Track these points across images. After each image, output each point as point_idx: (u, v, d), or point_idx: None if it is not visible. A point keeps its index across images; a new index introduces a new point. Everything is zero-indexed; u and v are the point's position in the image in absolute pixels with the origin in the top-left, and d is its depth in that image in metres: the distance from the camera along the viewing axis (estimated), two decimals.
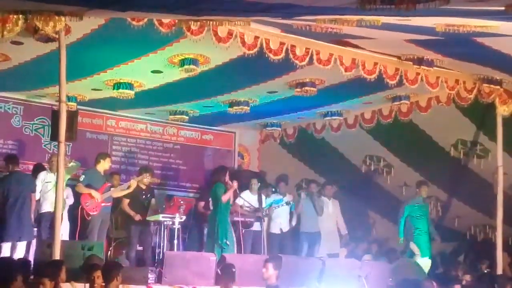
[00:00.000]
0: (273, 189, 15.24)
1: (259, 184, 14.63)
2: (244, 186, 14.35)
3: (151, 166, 15.25)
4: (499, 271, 13.22)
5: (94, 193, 12.72)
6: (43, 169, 13.00)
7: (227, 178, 13.25)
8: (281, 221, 14.82)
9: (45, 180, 12.59)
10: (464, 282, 12.18)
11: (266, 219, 14.54)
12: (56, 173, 10.57)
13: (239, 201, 13.99)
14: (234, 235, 13.25)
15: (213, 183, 13.56)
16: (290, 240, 14.95)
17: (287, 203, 14.80)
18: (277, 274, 9.83)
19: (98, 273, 9.20)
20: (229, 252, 12.61)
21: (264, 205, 14.54)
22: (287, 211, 14.89)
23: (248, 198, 14.25)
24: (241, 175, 14.92)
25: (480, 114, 14.02)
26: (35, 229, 12.41)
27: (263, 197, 14.60)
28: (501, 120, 13.41)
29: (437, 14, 9.01)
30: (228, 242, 12.80)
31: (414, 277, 13.56)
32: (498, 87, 13.14)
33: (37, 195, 12.42)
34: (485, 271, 14.07)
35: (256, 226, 14.40)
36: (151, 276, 11.35)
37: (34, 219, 12.32)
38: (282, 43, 11.22)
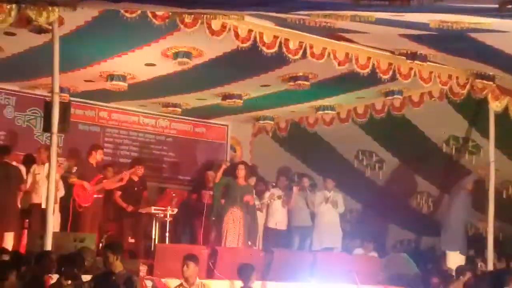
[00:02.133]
0: (273, 184, 15.28)
1: (254, 178, 14.65)
2: None
3: (143, 159, 15.24)
4: (490, 265, 13.26)
5: (86, 184, 12.72)
6: (34, 160, 12.98)
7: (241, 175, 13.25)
8: (277, 217, 14.85)
9: (35, 172, 12.59)
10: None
11: (264, 212, 14.64)
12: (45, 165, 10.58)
13: None
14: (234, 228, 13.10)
15: None
16: (286, 235, 14.98)
17: (279, 197, 14.82)
18: (197, 272, 9.68)
19: None
20: None
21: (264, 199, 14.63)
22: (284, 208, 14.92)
23: None
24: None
25: (473, 110, 14.05)
26: (27, 220, 12.41)
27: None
28: (493, 116, 13.43)
29: (431, 10, 9.02)
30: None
31: (405, 272, 13.67)
32: (491, 82, 13.15)
33: (28, 186, 12.44)
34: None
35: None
36: (143, 268, 11.35)
37: (24, 210, 12.33)
38: (275, 37, 11.22)
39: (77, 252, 9.77)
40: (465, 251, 13.81)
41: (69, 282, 8.53)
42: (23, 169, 12.53)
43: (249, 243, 13.20)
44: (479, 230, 15.01)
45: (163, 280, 10.52)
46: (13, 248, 11.50)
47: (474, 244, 14.39)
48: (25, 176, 12.49)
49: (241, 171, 13.17)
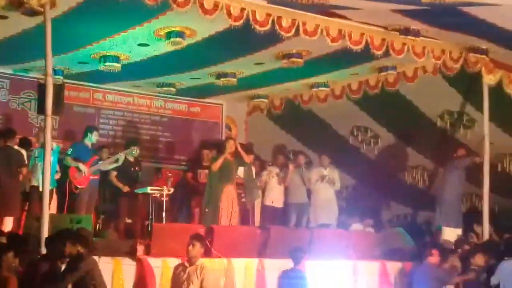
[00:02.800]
0: (270, 163, 15.32)
1: (252, 155, 14.68)
2: None
3: (138, 139, 15.26)
4: (485, 239, 13.33)
5: (81, 166, 12.74)
6: (30, 142, 12.98)
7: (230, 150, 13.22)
8: (274, 194, 14.90)
9: (34, 155, 12.59)
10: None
11: (260, 191, 14.71)
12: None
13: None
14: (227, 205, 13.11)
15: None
16: (283, 212, 15.02)
17: (277, 174, 14.86)
18: (201, 253, 9.75)
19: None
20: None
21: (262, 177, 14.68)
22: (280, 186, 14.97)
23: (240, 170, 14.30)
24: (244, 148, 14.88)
25: (467, 84, 14.05)
26: (27, 203, 12.45)
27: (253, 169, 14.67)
28: (487, 89, 13.45)
29: None
30: (207, 209, 12.83)
31: (402, 246, 13.75)
32: (484, 56, 13.16)
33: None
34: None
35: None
36: (140, 248, 11.40)
37: (24, 193, 12.36)
38: (268, 15, 11.19)
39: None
40: (460, 225, 13.86)
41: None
42: (24, 152, 12.51)
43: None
44: (474, 203, 15.08)
45: (160, 259, 10.57)
46: (13, 230, 11.55)
47: (469, 218, 14.41)
48: (26, 160, 12.49)
49: (231, 147, 13.20)
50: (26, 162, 12.35)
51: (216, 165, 12.97)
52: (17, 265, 8.72)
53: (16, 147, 12.42)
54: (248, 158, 13.43)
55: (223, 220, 12.76)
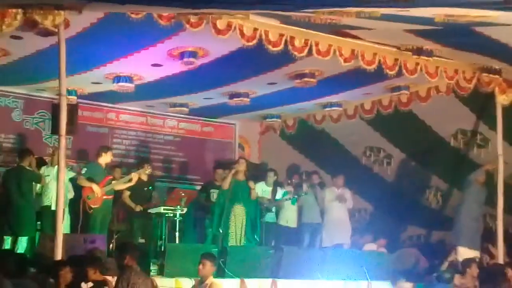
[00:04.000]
0: (289, 182, 15.31)
1: (275, 177, 14.68)
2: (260, 178, 14.48)
3: (151, 159, 15.28)
4: (500, 259, 13.23)
5: (95, 187, 12.74)
6: (44, 163, 13.02)
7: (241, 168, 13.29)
8: (288, 214, 14.87)
9: (45, 174, 12.62)
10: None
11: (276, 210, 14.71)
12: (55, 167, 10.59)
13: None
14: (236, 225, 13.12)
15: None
16: (296, 232, 14.98)
17: (299, 195, 14.82)
18: (212, 271, 9.62)
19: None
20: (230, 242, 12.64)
21: (277, 197, 14.64)
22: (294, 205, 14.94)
23: (262, 190, 14.29)
24: (257, 167, 14.90)
25: (480, 103, 14.04)
26: (38, 223, 12.46)
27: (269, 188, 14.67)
28: (500, 109, 13.41)
29: (436, 5, 9.03)
30: (221, 230, 12.81)
31: (416, 266, 13.69)
32: (497, 76, 13.14)
33: (38, 189, 12.48)
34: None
35: (268, 218, 14.46)
36: (153, 268, 11.40)
37: (36, 213, 12.39)
38: (281, 35, 11.22)
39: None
40: (477, 246, 13.76)
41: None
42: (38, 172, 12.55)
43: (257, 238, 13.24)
44: (489, 224, 14.99)
45: (173, 279, 10.56)
46: (27, 250, 11.59)
47: (483, 238, 14.32)
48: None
49: (241, 166, 13.18)
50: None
51: (225, 184, 12.98)
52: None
53: (28, 167, 12.42)
54: (254, 196, 13.47)
55: (232, 240, 12.75)
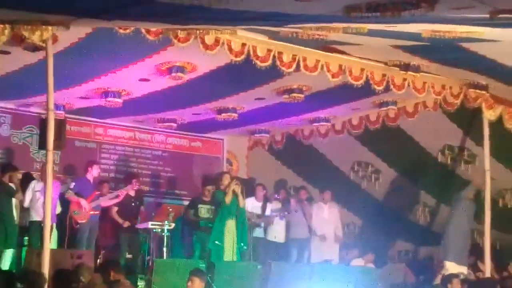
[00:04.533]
0: (276, 196, 15.30)
1: (264, 191, 14.68)
2: (249, 193, 14.39)
3: (139, 174, 15.27)
4: (488, 275, 13.25)
5: (82, 201, 12.74)
6: (32, 178, 13.00)
7: (225, 183, 13.23)
8: (276, 229, 14.87)
9: (34, 189, 12.58)
10: None
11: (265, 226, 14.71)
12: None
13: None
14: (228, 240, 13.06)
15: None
16: (284, 248, 14.98)
17: (288, 212, 14.82)
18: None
19: None
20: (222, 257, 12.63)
21: (267, 213, 14.61)
22: (283, 221, 14.93)
23: (252, 205, 14.29)
24: (245, 183, 14.88)
25: (467, 119, 14.08)
26: (26, 238, 12.42)
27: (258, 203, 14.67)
28: (487, 124, 13.46)
29: (423, 21, 9.06)
30: (217, 242, 12.77)
31: (404, 282, 13.69)
32: (484, 92, 13.19)
33: (27, 204, 12.44)
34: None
35: (257, 233, 14.44)
36: (140, 284, 11.37)
37: (23, 228, 12.34)
38: (269, 50, 11.25)
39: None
40: (465, 261, 13.77)
41: None
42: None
43: (244, 247, 13.21)
44: (476, 240, 15.02)
45: None
46: (12, 265, 11.54)
47: (471, 254, 14.33)
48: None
49: (226, 181, 13.17)
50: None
51: (228, 198, 12.95)
52: None
53: (9, 182, 12.34)
54: (242, 203, 13.30)
55: (227, 256, 12.73)
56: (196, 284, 9.41)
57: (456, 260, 13.60)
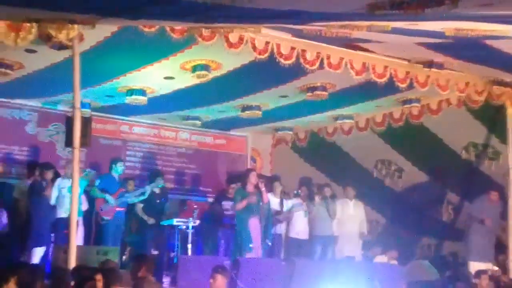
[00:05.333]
0: (295, 192, 15.31)
1: (281, 187, 14.71)
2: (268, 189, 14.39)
3: (164, 171, 15.36)
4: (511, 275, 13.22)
5: (108, 197, 12.84)
6: (58, 175, 13.13)
7: (252, 181, 13.21)
8: (298, 226, 14.90)
9: (60, 186, 12.72)
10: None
11: (285, 222, 14.69)
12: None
13: None
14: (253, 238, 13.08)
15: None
16: (308, 244, 15.00)
17: (304, 209, 14.84)
18: (226, 285, 9.53)
19: None
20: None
21: (285, 208, 14.62)
22: (305, 217, 14.96)
23: (271, 201, 14.32)
24: (263, 179, 14.93)
25: (491, 116, 14.05)
26: (52, 234, 12.55)
27: (284, 200, 14.69)
28: (511, 122, 13.44)
29: (446, 18, 9.07)
30: (251, 245, 12.77)
31: (427, 279, 13.66)
32: (509, 89, 13.18)
33: (53, 201, 12.57)
34: None
35: (276, 229, 14.48)
36: (166, 280, 11.45)
37: (51, 225, 12.49)
38: (293, 48, 11.30)
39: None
40: (490, 259, 13.73)
41: None
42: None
43: (269, 243, 13.22)
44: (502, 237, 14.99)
45: None
46: (41, 262, 11.69)
47: (497, 251, 14.30)
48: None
49: (253, 177, 13.20)
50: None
51: (239, 206, 12.93)
52: None
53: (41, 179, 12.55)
54: (266, 199, 13.26)
55: (249, 253, 12.77)
56: (218, 281, 9.43)
57: (479, 259, 13.59)
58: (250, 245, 12.71)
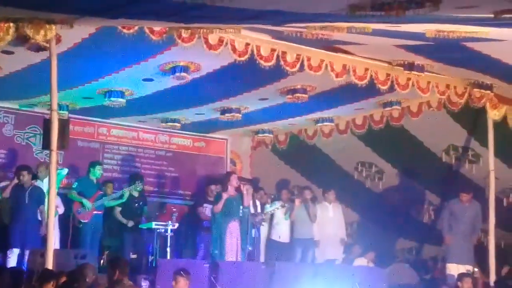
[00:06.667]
0: (272, 196, 15.26)
1: (252, 189, 14.60)
2: None
3: (142, 174, 15.26)
4: (492, 275, 13.21)
5: (85, 201, 12.75)
6: (35, 177, 13.00)
7: (234, 183, 13.07)
8: (280, 229, 14.85)
9: None
10: None
11: (265, 225, 14.63)
12: (44, 182, 10.60)
13: None
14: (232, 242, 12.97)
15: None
16: (289, 248, 14.95)
17: (282, 206, 14.79)
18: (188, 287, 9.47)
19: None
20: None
21: (262, 211, 14.55)
22: (287, 220, 14.90)
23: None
24: (245, 181, 14.80)
25: (471, 119, 14.06)
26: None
27: (258, 202, 14.60)
28: (492, 124, 13.44)
29: (427, 21, 9.05)
30: (216, 252, 12.66)
31: (408, 282, 13.67)
32: (489, 91, 13.14)
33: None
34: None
35: (256, 233, 14.40)
36: (144, 284, 11.34)
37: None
38: (273, 50, 11.24)
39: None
40: (469, 261, 13.72)
41: None
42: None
43: (249, 247, 13.12)
44: (480, 239, 15.00)
45: None
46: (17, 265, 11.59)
47: (476, 254, 14.31)
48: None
49: (234, 180, 13.07)
50: None
51: (218, 207, 12.79)
52: None
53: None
54: (247, 202, 13.06)
55: (228, 256, 12.68)
56: (181, 283, 9.38)
57: (457, 261, 13.59)
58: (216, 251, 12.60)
